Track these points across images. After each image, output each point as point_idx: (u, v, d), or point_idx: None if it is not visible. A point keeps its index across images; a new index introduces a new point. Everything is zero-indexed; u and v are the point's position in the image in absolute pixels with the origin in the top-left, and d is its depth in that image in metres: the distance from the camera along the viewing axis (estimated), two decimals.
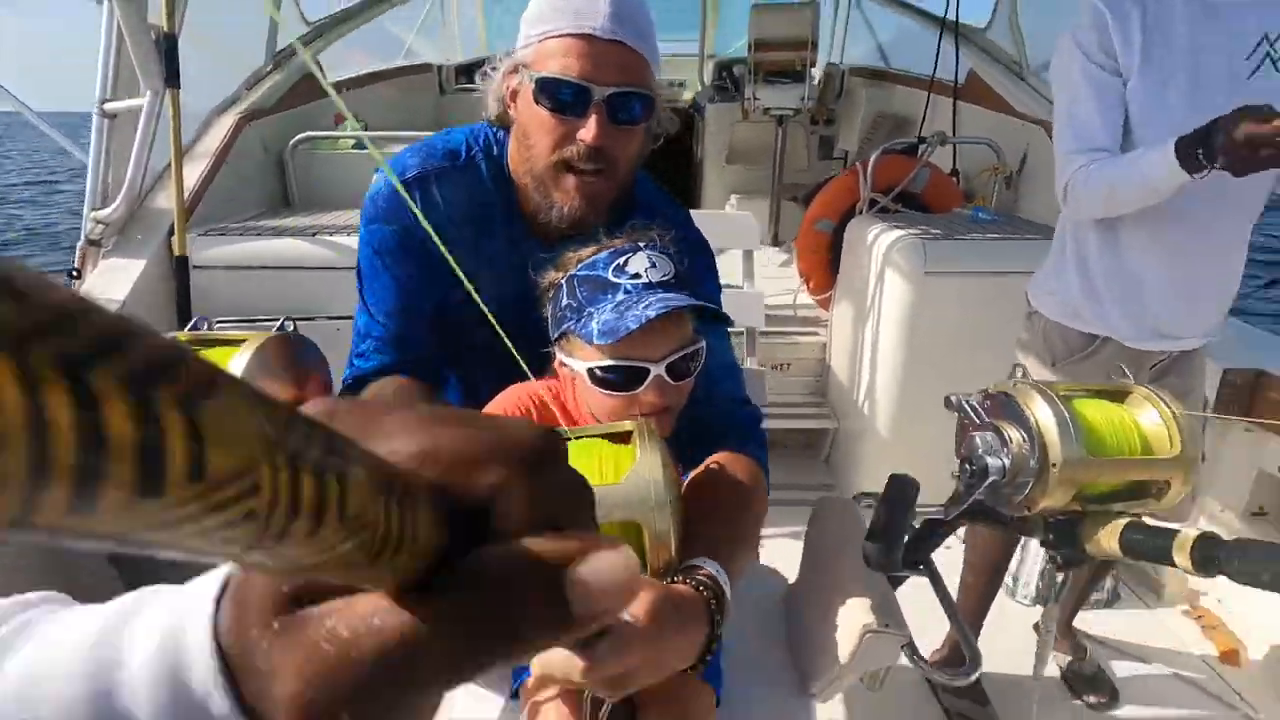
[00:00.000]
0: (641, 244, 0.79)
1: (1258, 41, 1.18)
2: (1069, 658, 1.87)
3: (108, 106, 2.12)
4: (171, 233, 2.09)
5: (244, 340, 0.76)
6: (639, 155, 0.90)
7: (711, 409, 0.89)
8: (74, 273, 2.10)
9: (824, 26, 4.79)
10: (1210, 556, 0.58)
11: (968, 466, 0.72)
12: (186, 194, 2.12)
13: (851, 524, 1.11)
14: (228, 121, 2.61)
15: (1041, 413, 0.68)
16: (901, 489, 0.78)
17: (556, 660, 0.48)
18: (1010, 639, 1.96)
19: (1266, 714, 1.74)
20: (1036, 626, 1.98)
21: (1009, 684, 1.83)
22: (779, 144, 4.37)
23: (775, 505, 1.16)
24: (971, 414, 0.74)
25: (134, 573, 2.00)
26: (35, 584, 0.30)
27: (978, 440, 0.71)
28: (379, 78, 3.75)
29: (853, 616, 0.91)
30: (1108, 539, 0.68)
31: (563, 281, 0.80)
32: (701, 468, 0.83)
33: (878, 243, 2.45)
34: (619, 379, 0.77)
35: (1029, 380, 0.71)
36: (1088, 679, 1.81)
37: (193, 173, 2.35)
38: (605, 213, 0.87)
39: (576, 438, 0.67)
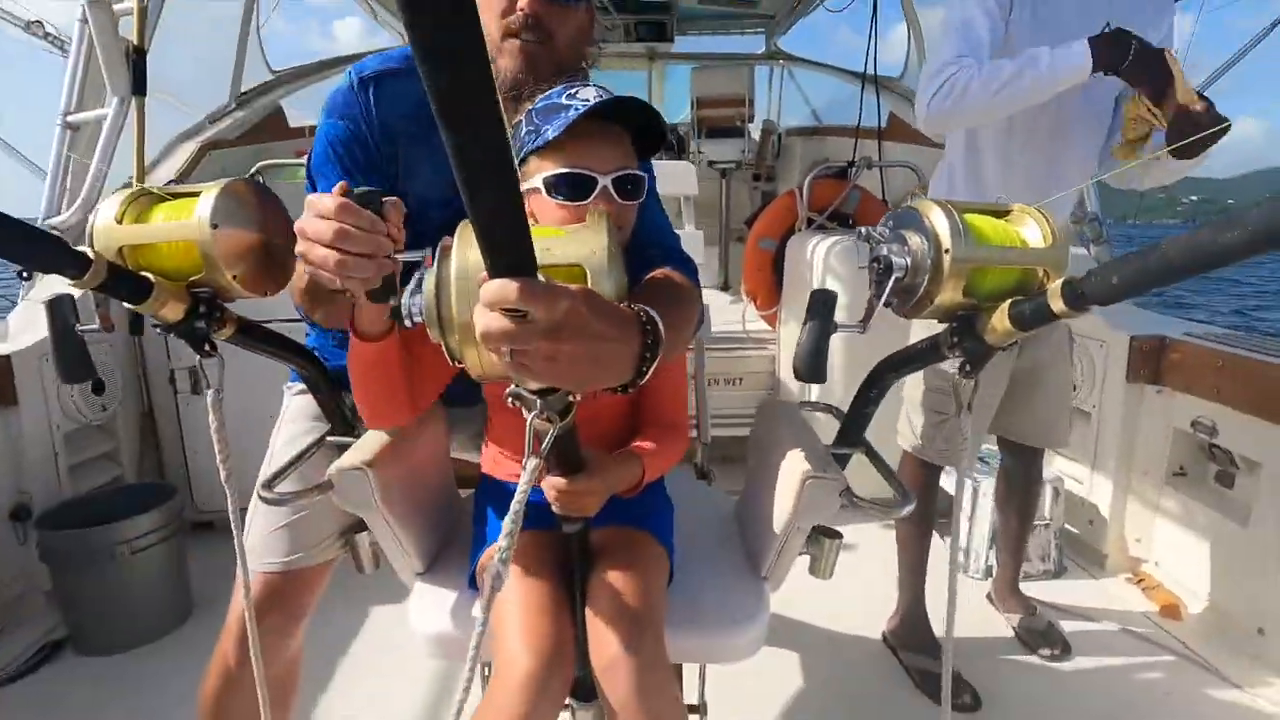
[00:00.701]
0: (588, 82, 0.87)
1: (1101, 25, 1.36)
2: (1019, 615, 1.91)
3: (70, 118, 2.18)
4: None
5: (204, 189, 0.80)
6: (581, 34, 1.00)
7: (652, 250, 0.98)
8: (24, 273, 2.08)
9: (760, 91, 5.22)
10: (1076, 292, 0.67)
11: (876, 265, 0.80)
12: None
13: (791, 417, 1.17)
14: (189, 148, 2.69)
15: (936, 217, 0.77)
16: (822, 299, 0.86)
17: (492, 321, 0.51)
18: (966, 613, 1.99)
19: (1207, 655, 1.80)
20: (989, 597, 2.03)
21: (968, 647, 1.85)
22: (724, 195, 4.66)
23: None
24: (879, 236, 0.83)
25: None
26: None
27: (884, 249, 0.80)
28: None
29: (793, 475, 0.96)
30: (1000, 321, 0.76)
31: (522, 118, 0.88)
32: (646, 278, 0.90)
33: (817, 251, 2.62)
34: (569, 186, 0.83)
35: (926, 196, 0.81)
36: (1041, 633, 1.85)
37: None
38: (545, 79, 0.95)
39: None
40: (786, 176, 5.10)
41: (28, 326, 1.98)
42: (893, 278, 0.78)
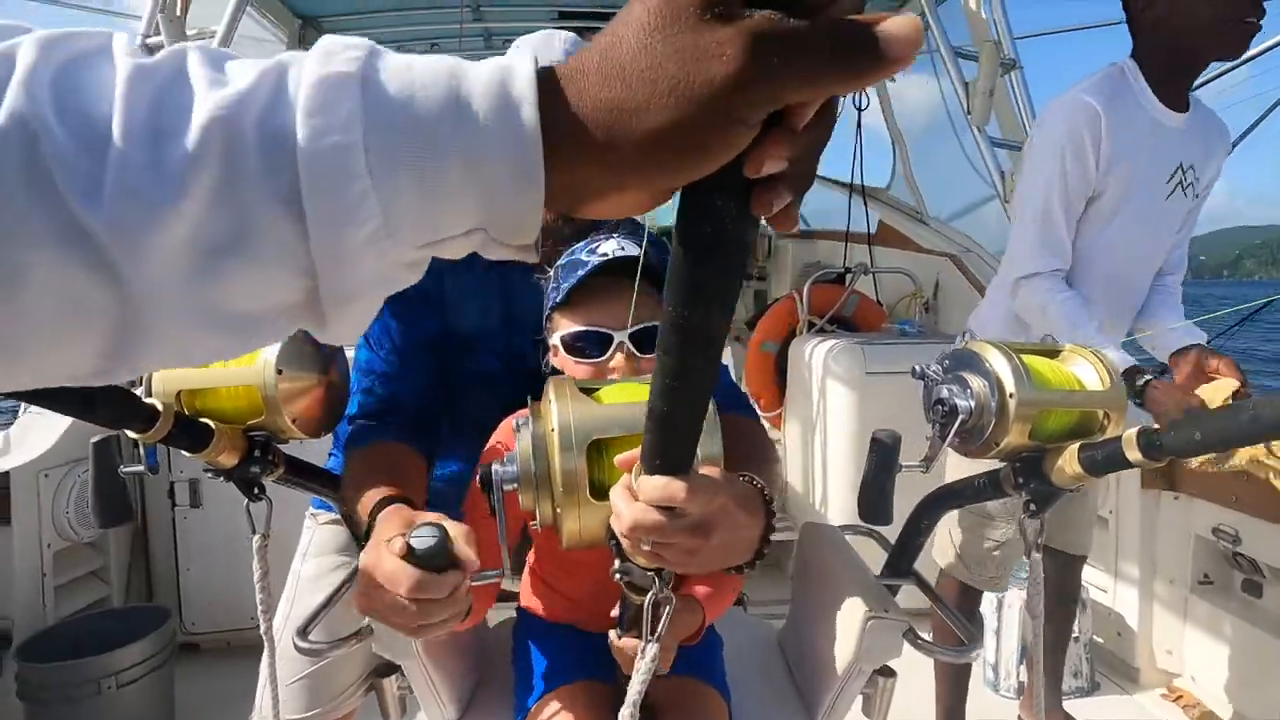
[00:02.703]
0: (617, 233, 0.87)
1: (1174, 168, 1.43)
2: None
3: None
4: None
5: None
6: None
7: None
8: None
9: None
10: (1153, 442, 0.67)
11: (939, 408, 0.81)
12: None
13: (838, 544, 1.15)
14: None
15: (995, 360, 0.79)
16: (886, 442, 0.86)
17: (646, 515, 0.49)
18: None
19: None
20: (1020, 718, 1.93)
21: None
22: None
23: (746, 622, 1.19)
24: (935, 375, 0.84)
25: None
26: None
27: (944, 390, 0.81)
28: None
29: (853, 613, 0.93)
30: (1069, 464, 0.76)
31: (553, 271, 0.88)
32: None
33: (819, 354, 2.66)
34: (586, 345, 0.82)
35: (979, 338, 0.83)
36: None
37: None
38: (572, 223, 0.96)
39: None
40: (779, 278, 5.26)
41: (30, 440, 1.92)
42: (958, 420, 0.78)
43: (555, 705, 0.88)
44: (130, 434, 0.70)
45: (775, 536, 2.42)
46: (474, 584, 0.67)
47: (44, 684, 1.63)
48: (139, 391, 0.75)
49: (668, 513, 0.49)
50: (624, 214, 0.33)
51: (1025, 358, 0.81)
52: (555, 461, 0.56)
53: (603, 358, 0.83)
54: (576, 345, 0.83)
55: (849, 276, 3.17)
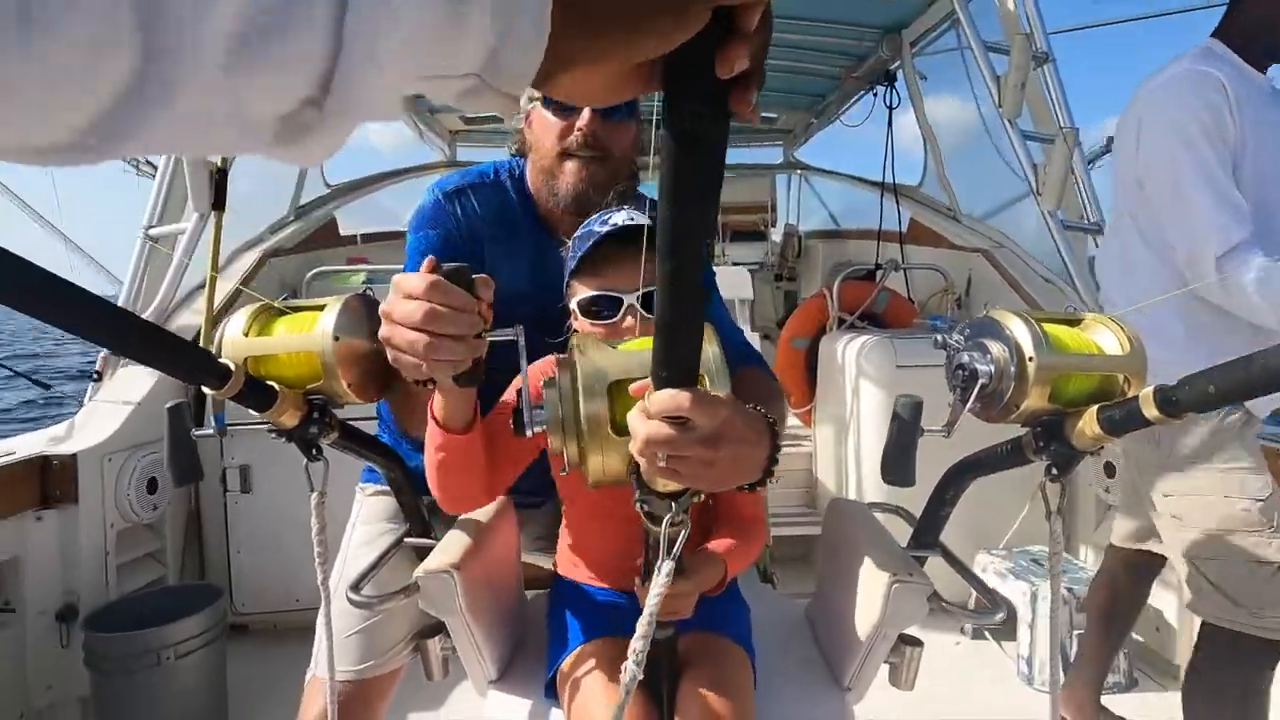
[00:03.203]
0: (626, 205, 0.93)
1: None
2: None
3: (152, 231, 2.35)
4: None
5: (325, 304, 0.87)
6: (631, 147, 1.09)
7: (730, 349, 1.02)
8: (95, 375, 2.18)
9: (780, 198, 5.49)
10: (1169, 399, 0.69)
11: (960, 373, 0.83)
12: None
13: (864, 517, 1.17)
14: (252, 256, 2.85)
15: (1015, 326, 0.82)
16: (908, 408, 0.89)
17: (659, 429, 0.53)
18: None
19: None
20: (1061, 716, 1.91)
21: None
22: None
23: None
24: (956, 343, 0.87)
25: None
26: None
27: (965, 356, 0.84)
28: (387, 236, 4.12)
29: (877, 579, 0.95)
30: (1089, 426, 0.78)
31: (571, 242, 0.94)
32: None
33: (851, 349, 2.67)
34: (599, 308, 0.90)
35: (997, 307, 0.86)
36: None
37: (217, 295, 2.53)
38: (603, 193, 1.02)
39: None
40: (808, 276, 5.27)
41: (96, 426, 2.04)
42: (978, 384, 0.81)
43: (586, 657, 0.92)
44: (206, 390, 0.76)
45: (803, 531, 2.47)
46: (490, 337, 0.70)
47: (108, 654, 1.73)
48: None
49: (679, 426, 0.53)
50: (594, 94, 0.37)
51: (1045, 325, 0.83)
52: (579, 402, 0.61)
53: (615, 318, 0.89)
54: (591, 308, 0.90)
55: (880, 273, 3.17)
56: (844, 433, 2.74)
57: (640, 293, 0.88)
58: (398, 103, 0.31)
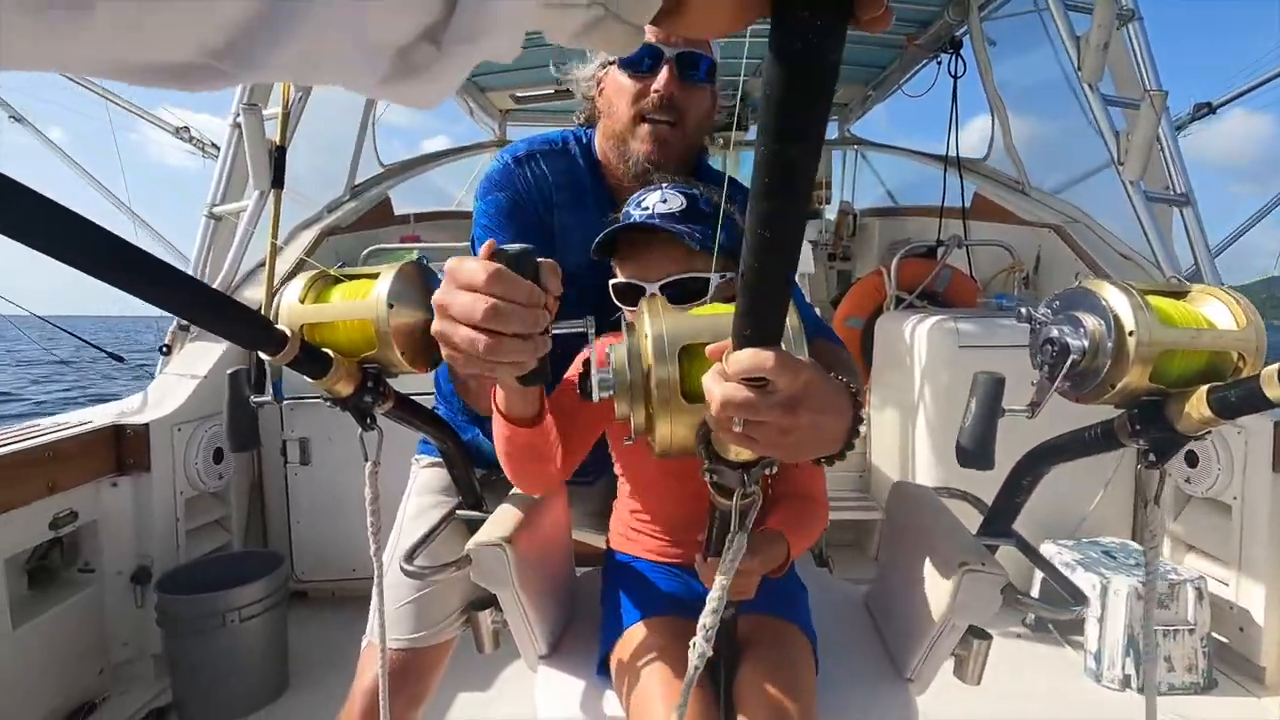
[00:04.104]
0: (665, 184, 0.90)
1: None
2: None
3: (215, 210, 2.41)
4: None
5: (379, 271, 0.86)
6: (706, 116, 1.05)
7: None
8: (164, 349, 2.26)
9: (834, 174, 5.32)
10: None
11: (1049, 348, 0.77)
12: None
13: (930, 502, 1.12)
14: (310, 234, 2.91)
15: (1113, 297, 0.74)
16: (990, 384, 0.83)
17: (737, 391, 0.49)
18: None
19: None
20: None
21: None
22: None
23: None
24: (1044, 316, 0.80)
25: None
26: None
27: (1054, 330, 0.77)
28: (439, 216, 4.16)
29: (946, 567, 0.90)
30: (1196, 408, 0.71)
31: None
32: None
33: (910, 329, 2.57)
34: (625, 296, 0.89)
35: (1090, 279, 0.79)
36: None
37: (277, 271, 2.59)
38: (673, 162, 1.00)
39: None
40: (863, 255, 5.10)
41: (166, 398, 2.12)
42: (1069, 360, 0.74)
43: (640, 636, 0.90)
44: (263, 356, 0.76)
45: (858, 516, 2.42)
46: (556, 330, 0.64)
47: (179, 614, 1.81)
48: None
49: (758, 389, 0.49)
50: (720, 26, 0.34)
51: (1148, 296, 0.76)
52: (649, 367, 0.57)
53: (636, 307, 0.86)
54: (619, 294, 0.90)
55: (942, 250, 3.03)
56: (901, 416, 2.65)
57: (663, 282, 0.86)
58: (519, 36, 0.29)
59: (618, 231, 0.86)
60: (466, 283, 0.59)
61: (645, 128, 1.01)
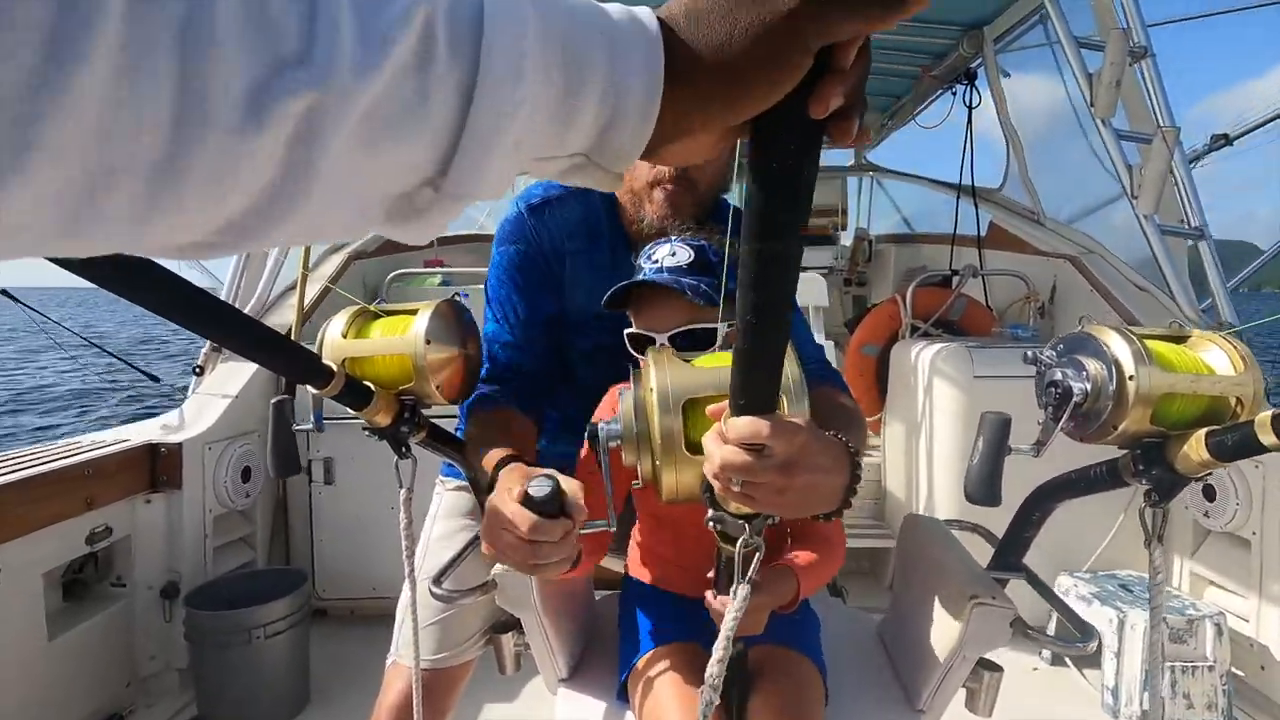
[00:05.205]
0: (675, 236, 0.96)
1: None
2: None
3: None
4: None
5: (418, 309, 0.92)
6: (720, 173, 1.10)
7: (809, 365, 1.01)
8: (198, 370, 2.34)
9: (850, 201, 5.37)
10: None
11: (1052, 390, 0.80)
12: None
13: (942, 535, 1.14)
14: (338, 259, 3.00)
15: (1114, 342, 0.78)
16: (996, 425, 0.86)
17: (735, 455, 0.53)
18: None
19: None
20: None
21: None
22: None
23: None
24: (1048, 359, 0.84)
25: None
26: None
27: (1058, 373, 0.80)
28: (462, 240, 4.24)
29: (957, 600, 0.93)
30: (1195, 450, 0.74)
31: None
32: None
33: (925, 357, 2.59)
34: (637, 346, 0.94)
35: (1093, 322, 0.82)
36: None
37: (306, 295, 2.67)
38: (687, 217, 1.04)
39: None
40: (878, 281, 5.13)
41: (199, 417, 2.19)
42: (1071, 403, 0.78)
43: (658, 661, 0.93)
44: (311, 389, 0.81)
45: (872, 544, 2.43)
46: (583, 532, 0.73)
47: (206, 629, 1.86)
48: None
49: (755, 452, 0.53)
50: (694, 157, 0.37)
51: (1148, 342, 0.79)
52: (654, 419, 0.62)
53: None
54: (632, 343, 0.95)
55: (956, 279, 3.06)
56: (916, 444, 2.66)
57: (672, 332, 0.92)
58: (507, 183, 0.32)
59: (627, 286, 0.92)
60: (509, 527, 0.72)
61: (659, 194, 1.05)
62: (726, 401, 0.54)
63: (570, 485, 0.74)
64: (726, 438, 0.54)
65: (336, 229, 0.30)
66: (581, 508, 0.73)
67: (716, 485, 0.57)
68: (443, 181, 0.30)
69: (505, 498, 0.73)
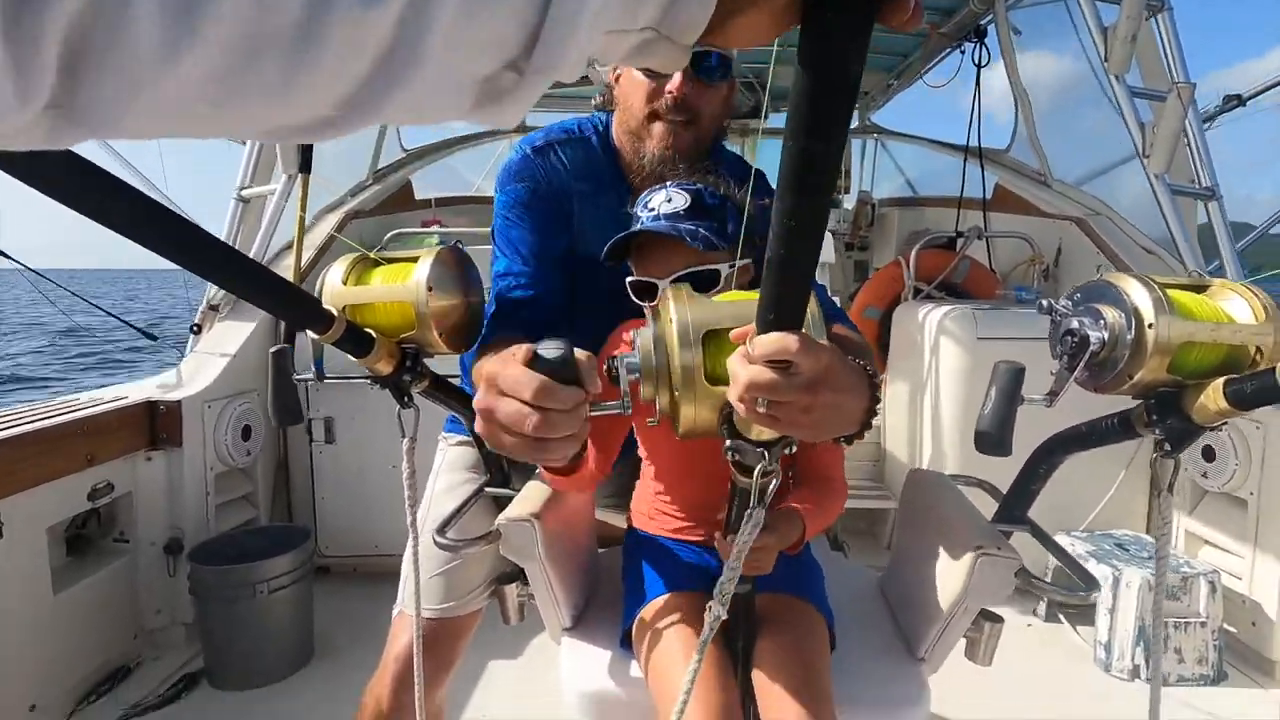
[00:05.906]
0: (670, 183, 0.93)
1: None
2: None
3: (244, 193, 2.46)
4: None
5: (419, 255, 0.89)
6: (720, 115, 1.06)
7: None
8: (195, 328, 2.32)
9: (854, 163, 5.29)
10: None
11: (1068, 339, 0.79)
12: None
13: (946, 489, 1.14)
14: (334, 218, 2.96)
15: (1135, 290, 0.76)
16: (1010, 374, 0.85)
17: (761, 373, 0.52)
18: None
19: None
20: None
21: None
22: None
23: None
24: (1064, 308, 0.82)
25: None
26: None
27: (1074, 321, 0.79)
28: (459, 201, 4.18)
29: (961, 551, 0.93)
30: (1213, 399, 0.73)
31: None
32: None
33: (928, 319, 2.57)
34: (639, 292, 0.93)
35: (1114, 271, 0.80)
36: None
37: (303, 255, 2.64)
38: (688, 159, 1.01)
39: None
40: (881, 246, 5.08)
41: (197, 375, 2.18)
42: (1088, 351, 0.76)
43: (663, 609, 0.94)
44: (311, 334, 0.80)
45: (871, 504, 2.44)
46: (594, 413, 0.64)
47: (210, 584, 1.87)
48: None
49: (781, 370, 0.52)
50: (756, 36, 0.37)
51: (1169, 290, 0.77)
52: (674, 351, 0.60)
53: (654, 303, 0.89)
54: (635, 291, 0.94)
55: (961, 241, 3.02)
56: (917, 406, 2.66)
57: (674, 276, 0.90)
58: (584, 63, 0.32)
59: (626, 238, 0.91)
60: (510, 390, 0.60)
61: (659, 126, 1.02)
62: (752, 325, 0.53)
63: (582, 354, 0.63)
64: (753, 356, 0.53)
65: (436, 108, 0.31)
66: (596, 380, 0.62)
67: (741, 408, 0.55)
68: (526, 63, 0.30)
69: (507, 360, 0.61)
